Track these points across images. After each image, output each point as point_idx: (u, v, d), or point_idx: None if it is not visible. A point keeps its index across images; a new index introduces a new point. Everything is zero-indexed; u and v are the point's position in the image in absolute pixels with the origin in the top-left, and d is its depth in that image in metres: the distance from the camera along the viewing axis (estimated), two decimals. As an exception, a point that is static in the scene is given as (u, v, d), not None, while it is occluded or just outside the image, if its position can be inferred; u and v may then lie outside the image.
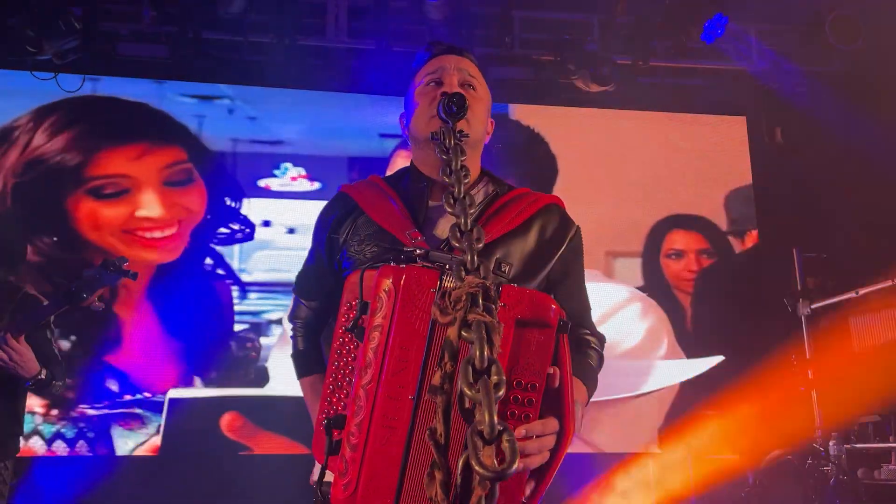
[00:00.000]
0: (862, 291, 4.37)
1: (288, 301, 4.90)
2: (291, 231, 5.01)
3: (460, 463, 0.74)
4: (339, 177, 5.08)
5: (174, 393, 4.61)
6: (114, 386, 4.55)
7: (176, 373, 4.68)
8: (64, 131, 4.83)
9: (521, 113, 5.43)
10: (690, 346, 5.30)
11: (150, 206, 4.80)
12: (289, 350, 1.83)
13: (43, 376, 2.71)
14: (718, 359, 5.22)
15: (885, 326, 4.33)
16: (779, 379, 5.18)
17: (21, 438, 2.91)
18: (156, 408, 4.58)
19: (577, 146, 5.47)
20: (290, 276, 4.83)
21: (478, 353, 0.79)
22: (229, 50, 4.97)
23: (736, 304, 5.39)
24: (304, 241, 4.97)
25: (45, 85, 4.78)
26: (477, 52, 5.02)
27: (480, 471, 0.69)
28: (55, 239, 4.65)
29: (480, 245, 1.02)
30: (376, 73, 4.88)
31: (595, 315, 1.72)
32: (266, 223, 5.02)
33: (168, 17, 4.81)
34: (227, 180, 5.02)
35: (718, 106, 5.64)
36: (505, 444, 0.70)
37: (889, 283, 4.25)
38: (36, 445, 4.43)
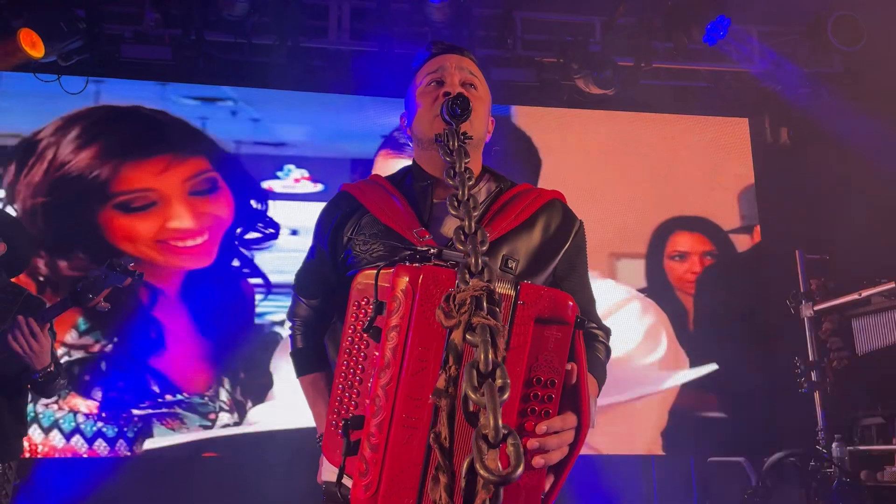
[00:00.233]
0: (865, 293, 4.36)
1: (285, 301, 4.92)
2: (294, 233, 5.02)
3: (465, 466, 0.74)
4: (342, 178, 5.08)
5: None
6: (156, 387, 4.64)
7: (208, 375, 4.74)
8: (88, 146, 4.89)
9: (523, 115, 5.43)
10: (693, 348, 5.29)
11: (179, 217, 4.88)
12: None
13: (52, 369, 2.72)
14: (711, 367, 5.23)
15: (888, 328, 4.32)
16: (781, 380, 5.18)
17: (24, 441, 2.92)
18: (192, 409, 4.67)
19: (578, 148, 5.46)
20: (291, 277, 4.87)
21: (482, 356, 0.79)
22: (232, 52, 4.98)
23: (738, 306, 5.40)
24: (307, 243, 4.96)
25: (48, 87, 4.80)
26: (479, 54, 5.05)
27: (485, 474, 0.69)
28: (89, 254, 4.74)
29: (485, 248, 1.02)
30: (379, 74, 4.89)
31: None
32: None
33: (171, 19, 4.82)
34: (251, 184, 5.07)
35: (720, 107, 5.63)
36: (510, 449, 0.70)
37: (892, 284, 4.24)
38: (77, 445, 4.50)
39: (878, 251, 4.69)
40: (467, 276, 0.93)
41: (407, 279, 1.22)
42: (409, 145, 1.77)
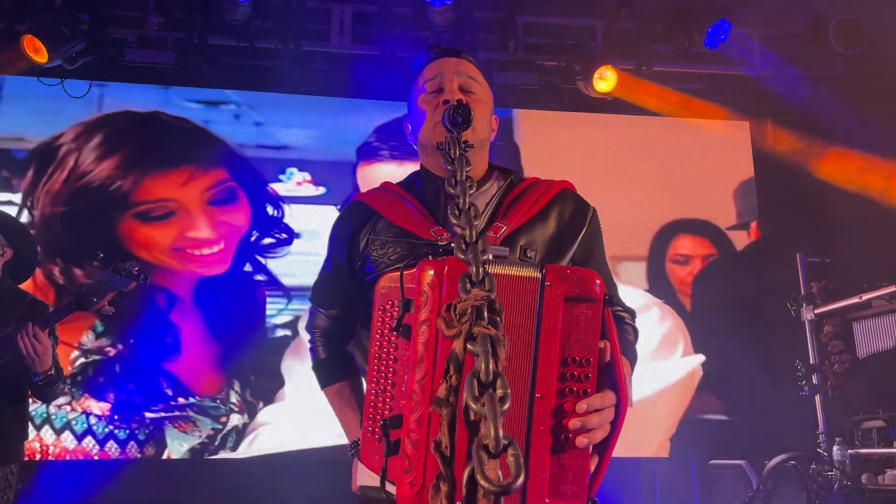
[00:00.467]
0: (866, 296, 4.36)
1: (295, 305, 4.93)
2: (297, 236, 5.03)
3: (465, 476, 0.75)
4: (344, 181, 5.10)
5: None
6: (168, 390, 4.67)
7: (219, 378, 4.77)
8: (111, 156, 4.93)
9: (525, 118, 5.44)
10: (695, 350, 5.30)
11: (197, 226, 4.92)
12: (302, 357, 1.84)
13: (52, 373, 2.74)
14: (699, 358, 5.24)
15: (889, 331, 4.32)
16: (782, 383, 5.18)
17: (24, 443, 2.92)
18: (204, 411, 4.70)
19: (579, 150, 5.47)
20: (296, 280, 4.89)
21: (483, 366, 0.79)
22: (235, 55, 4.99)
23: (740, 309, 5.40)
24: (310, 246, 4.99)
25: (51, 90, 4.81)
26: (481, 57, 5.05)
27: (485, 485, 0.70)
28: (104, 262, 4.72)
29: (485, 257, 1.03)
30: (381, 78, 4.90)
31: None
32: None
33: (174, 23, 4.83)
34: (267, 190, 5.09)
35: (722, 111, 5.63)
36: (510, 459, 0.71)
37: (893, 287, 4.24)
38: (89, 446, 4.53)
39: (879, 254, 4.70)
40: (468, 285, 0.93)
41: (432, 272, 1.23)
42: (382, 151, 1.79)
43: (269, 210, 5.07)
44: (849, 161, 5.17)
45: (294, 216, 5.07)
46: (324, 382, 1.79)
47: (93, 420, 4.54)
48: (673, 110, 5.38)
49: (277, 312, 4.91)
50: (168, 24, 4.83)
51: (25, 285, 3.09)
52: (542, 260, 1.57)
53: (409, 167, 1.78)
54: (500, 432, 0.72)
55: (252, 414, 4.74)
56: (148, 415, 4.60)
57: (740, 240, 5.58)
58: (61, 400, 4.41)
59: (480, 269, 0.96)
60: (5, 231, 2.92)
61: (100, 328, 4.63)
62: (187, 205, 4.92)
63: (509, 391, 0.78)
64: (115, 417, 4.56)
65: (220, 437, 4.67)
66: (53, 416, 4.47)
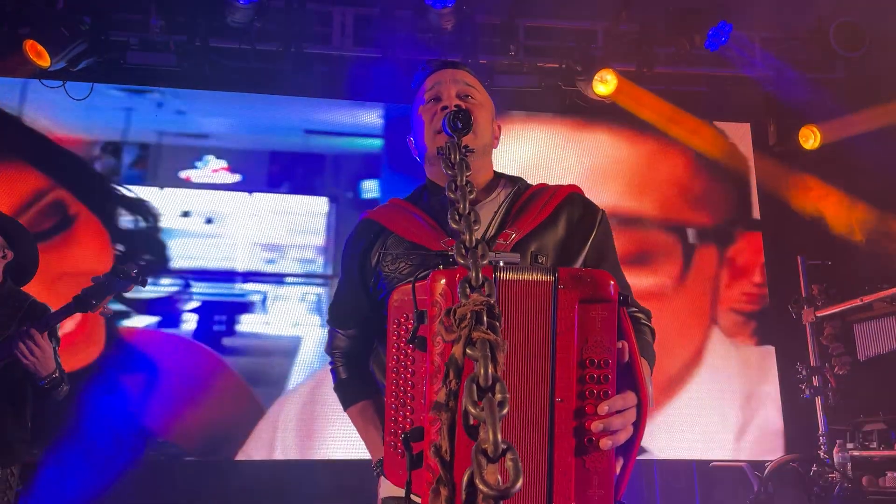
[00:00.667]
0: (866, 299, 4.37)
1: (204, 288, 4.94)
2: (209, 221, 5.04)
3: (464, 480, 0.75)
4: (261, 170, 5.12)
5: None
6: None
7: None
8: None
9: (526, 120, 5.44)
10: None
11: None
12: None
13: (56, 376, 2.74)
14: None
15: (890, 334, 4.32)
16: (783, 385, 5.18)
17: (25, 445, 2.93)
18: None
19: (581, 152, 5.47)
20: (206, 263, 4.89)
21: (482, 371, 0.80)
22: (237, 58, 5.00)
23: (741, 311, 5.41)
24: (221, 230, 5.03)
25: (54, 93, 4.82)
26: (482, 61, 5.05)
27: (484, 489, 0.70)
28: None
29: (485, 262, 1.03)
30: (382, 80, 4.90)
31: None
32: (186, 213, 5.02)
33: (176, 26, 4.84)
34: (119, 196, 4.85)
35: (723, 113, 5.64)
36: (509, 463, 0.71)
37: (894, 290, 4.25)
38: None
39: (880, 257, 4.70)
40: (468, 290, 0.94)
41: (444, 281, 1.23)
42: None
43: (127, 218, 4.88)
44: (848, 162, 5.17)
45: (208, 202, 5.04)
46: (347, 402, 1.79)
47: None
48: (664, 123, 5.38)
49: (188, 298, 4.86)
50: (170, 26, 4.84)
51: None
52: (554, 265, 1.56)
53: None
54: (499, 437, 0.73)
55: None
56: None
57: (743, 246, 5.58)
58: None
59: (480, 274, 0.97)
60: (6, 233, 2.93)
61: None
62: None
63: (508, 396, 0.78)
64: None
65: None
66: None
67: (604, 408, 1.24)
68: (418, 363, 1.31)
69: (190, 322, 4.89)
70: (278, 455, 4.67)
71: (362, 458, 1.78)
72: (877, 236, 4.89)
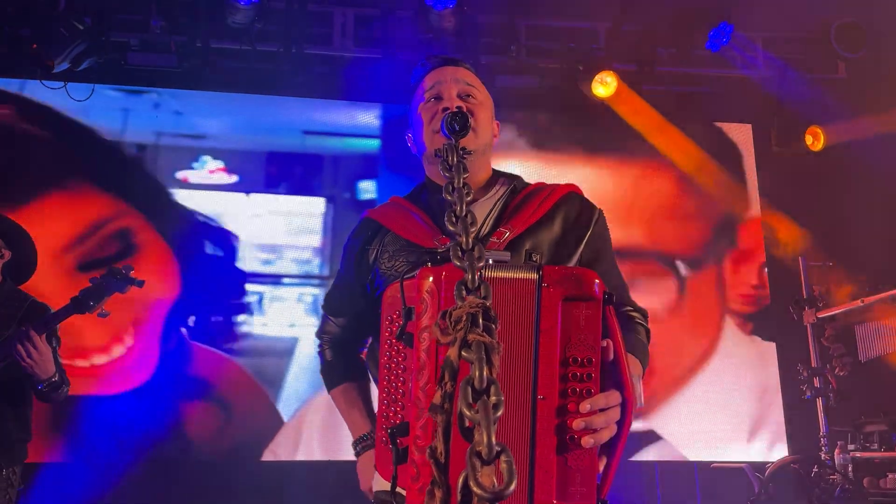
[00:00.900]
0: (868, 300, 4.36)
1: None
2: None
3: (459, 482, 0.75)
4: (257, 170, 5.13)
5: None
6: None
7: None
8: None
9: (527, 120, 5.44)
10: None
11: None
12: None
13: (56, 378, 2.74)
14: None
15: (891, 335, 4.32)
16: (784, 387, 5.18)
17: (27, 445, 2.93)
18: None
19: (582, 153, 5.47)
20: None
21: (477, 373, 0.80)
22: (237, 59, 5.00)
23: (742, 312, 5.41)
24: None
25: (56, 94, 4.83)
26: (483, 61, 5.05)
27: (478, 491, 0.70)
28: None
29: (482, 263, 1.03)
30: (383, 81, 4.91)
31: None
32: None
33: (177, 27, 4.85)
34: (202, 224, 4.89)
35: (724, 113, 5.64)
36: (503, 465, 0.71)
37: (894, 291, 4.24)
38: None
39: (881, 258, 4.69)
40: (464, 292, 0.94)
41: (431, 279, 1.24)
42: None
43: (210, 249, 4.92)
44: (848, 163, 5.16)
45: (205, 202, 5.04)
46: (330, 384, 1.83)
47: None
48: (653, 134, 5.36)
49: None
50: (171, 27, 4.85)
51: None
52: (548, 263, 1.55)
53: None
54: (493, 439, 0.73)
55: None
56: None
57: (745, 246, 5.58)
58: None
59: (476, 277, 0.97)
60: (3, 232, 2.93)
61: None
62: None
63: (503, 398, 0.78)
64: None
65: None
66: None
67: (586, 406, 1.24)
68: (409, 360, 1.31)
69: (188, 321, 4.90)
70: (281, 456, 4.67)
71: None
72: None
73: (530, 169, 5.24)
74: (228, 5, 4.60)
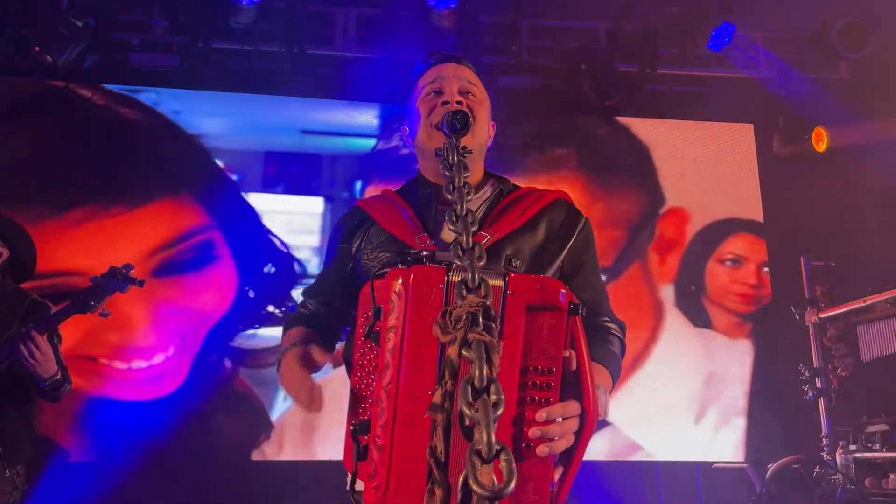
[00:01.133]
0: (870, 300, 4.35)
1: None
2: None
3: (460, 480, 0.76)
4: (256, 170, 5.12)
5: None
6: None
7: None
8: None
9: (529, 120, 5.44)
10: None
11: (125, 324, 4.36)
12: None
13: (58, 377, 2.75)
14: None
15: (893, 335, 4.31)
16: (786, 387, 5.17)
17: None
18: None
19: (584, 153, 5.47)
20: None
21: (477, 372, 0.80)
22: (239, 59, 5.01)
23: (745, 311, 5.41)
24: None
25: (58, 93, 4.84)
26: (484, 61, 5.05)
27: (478, 490, 0.70)
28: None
29: (482, 262, 1.04)
30: (385, 81, 4.91)
31: None
32: None
33: (179, 27, 4.85)
34: (267, 236, 4.98)
35: (726, 114, 5.63)
36: (503, 464, 0.72)
37: (896, 291, 4.24)
38: None
39: (884, 258, 4.69)
40: (464, 292, 0.94)
41: (399, 281, 1.25)
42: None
43: (267, 269, 4.92)
44: (850, 163, 5.16)
45: None
46: (286, 326, 1.74)
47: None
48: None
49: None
50: (173, 28, 4.85)
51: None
52: (528, 270, 1.56)
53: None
54: (493, 438, 0.73)
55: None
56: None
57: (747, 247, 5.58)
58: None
59: (476, 276, 0.97)
60: (0, 231, 2.93)
61: None
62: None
63: (503, 397, 0.79)
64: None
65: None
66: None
67: (542, 415, 1.24)
68: (379, 357, 1.32)
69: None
70: (285, 455, 4.68)
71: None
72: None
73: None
74: (230, 6, 4.61)
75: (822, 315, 4.71)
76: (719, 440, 5.14)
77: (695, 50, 5.20)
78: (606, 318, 1.66)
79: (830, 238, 5.07)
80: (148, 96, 5.05)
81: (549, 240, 1.63)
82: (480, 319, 0.89)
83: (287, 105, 5.17)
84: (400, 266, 1.29)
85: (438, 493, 0.81)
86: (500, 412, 0.77)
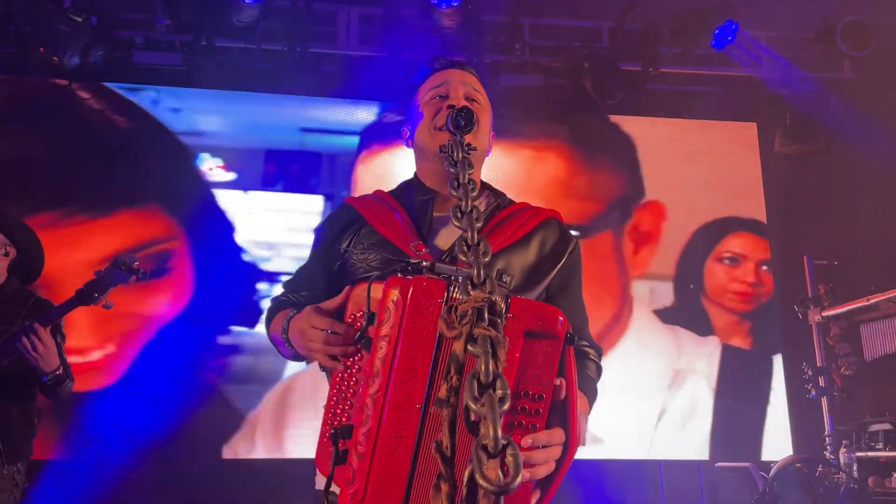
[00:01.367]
0: (873, 299, 4.35)
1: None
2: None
3: (465, 476, 0.75)
4: (256, 168, 5.13)
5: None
6: None
7: None
8: None
9: (532, 119, 5.44)
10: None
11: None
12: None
13: (60, 372, 2.75)
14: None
15: (896, 334, 4.31)
16: (789, 386, 5.17)
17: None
18: None
19: (585, 152, 5.47)
20: None
21: (483, 367, 0.80)
22: (242, 57, 5.01)
23: (747, 310, 5.40)
24: None
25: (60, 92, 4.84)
26: (486, 60, 5.04)
27: (484, 484, 0.70)
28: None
29: (487, 259, 1.03)
30: (387, 80, 4.91)
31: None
32: None
33: (182, 26, 4.86)
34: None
35: (729, 112, 5.63)
36: (509, 459, 0.71)
37: (900, 290, 4.23)
38: None
39: (887, 257, 4.69)
40: (469, 287, 0.94)
41: (398, 290, 1.24)
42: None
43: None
44: (853, 162, 5.16)
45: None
46: (272, 312, 1.71)
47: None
48: None
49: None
50: (176, 26, 4.86)
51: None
52: (518, 287, 1.57)
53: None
54: (500, 432, 0.73)
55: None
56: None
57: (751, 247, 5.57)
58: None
59: (481, 272, 0.97)
60: (7, 231, 2.94)
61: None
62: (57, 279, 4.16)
63: (509, 392, 0.79)
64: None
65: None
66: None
67: (527, 440, 1.24)
68: (364, 361, 1.31)
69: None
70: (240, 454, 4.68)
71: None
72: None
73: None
74: (233, 4, 4.61)
75: (826, 314, 4.71)
76: (683, 438, 5.13)
77: (697, 49, 5.19)
78: (585, 343, 1.67)
79: (833, 237, 5.06)
80: (147, 94, 5.06)
81: (539, 259, 1.64)
82: (486, 315, 0.88)
83: (286, 103, 5.17)
84: (399, 274, 1.28)
85: (445, 488, 0.81)
86: (506, 406, 0.77)
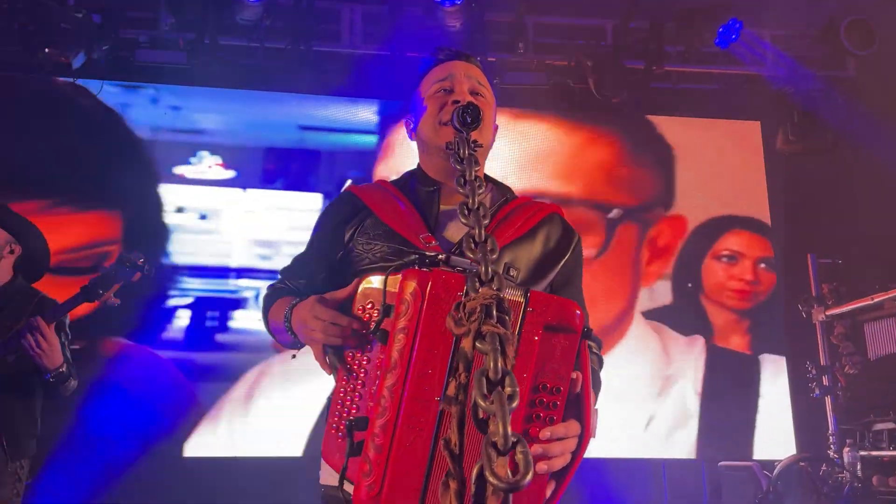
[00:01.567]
0: (877, 298, 4.34)
1: (198, 284, 4.96)
2: (203, 217, 5.02)
3: (474, 473, 0.75)
4: (255, 166, 5.13)
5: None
6: None
7: None
8: None
9: (535, 118, 5.43)
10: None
11: None
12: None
13: (64, 370, 2.75)
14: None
15: (901, 333, 4.30)
16: (793, 385, 5.16)
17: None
18: None
19: (587, 152, 5.47)
20: (200, 259, 4.93)
21: (492, 364, 0.80)
22: (245, 56, 5.01)
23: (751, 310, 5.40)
24: (214, 226, 5.05)
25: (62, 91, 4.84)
26: (491, 58, 5.04)
27: (494, 482, 0.70)
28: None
29: (495, 256, 1.03)
30: (391, 78, 4.91)
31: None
32: (180, 209, 5.02)
33: (185, 24, 4.86)
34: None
35: (733, 111, 5.62)
36: (519, 456, 0.71)
37: (904, 289, 4.23)
38: None
39: (891, 256, 4.68)
40: (477, 284, 0.94)
41: (416, 283, 1.23)
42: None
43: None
44: (857, 160, 5.15)
45: (202, 197, 5.04)
46: (270, 300, 1.71)
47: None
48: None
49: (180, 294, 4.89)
50: (179, 24, 4.86)
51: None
52: (524, 280, 1.58)
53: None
54: (509, 429, 0.73)
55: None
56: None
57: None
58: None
59: (489, 268, 0.97)
60: (12, 228, 2.94)
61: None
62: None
63: (518, 389, 0.78)
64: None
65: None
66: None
67: (546, 433, 1.26)
68: (375, 353, 1.31)
69: (183, 318, 4.91)
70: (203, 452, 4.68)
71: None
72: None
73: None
74: (237, 2, 4.61)
75: (830, 313, 4.70)
76: (674, 439, 5.12)
77: (701, 47, 5.19)
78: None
79: (838, 235, 5.06)
80: (147, 92, 5.06)
81: (544, 255, 1.65)
82: (494, 312, 0.88)
83: (286, 101, 5.17)
84: (417, 267, 1.29)
85: (453, 485, 0.81)
86: (515, 404, 0.77)
